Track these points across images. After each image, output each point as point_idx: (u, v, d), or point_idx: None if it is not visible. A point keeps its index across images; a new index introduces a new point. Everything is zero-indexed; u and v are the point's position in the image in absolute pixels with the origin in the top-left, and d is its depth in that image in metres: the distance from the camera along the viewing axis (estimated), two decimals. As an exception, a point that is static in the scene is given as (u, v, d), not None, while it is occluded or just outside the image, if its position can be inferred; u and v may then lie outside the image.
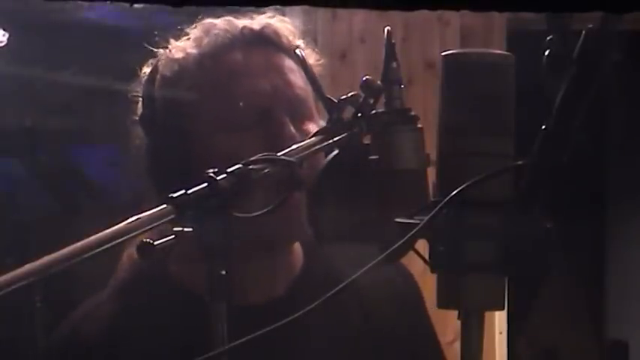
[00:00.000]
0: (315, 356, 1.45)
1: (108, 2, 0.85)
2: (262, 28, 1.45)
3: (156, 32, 1.49)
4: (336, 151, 1.18)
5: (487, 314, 1.06)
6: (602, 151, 5.12)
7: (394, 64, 1.18)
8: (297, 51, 1.33)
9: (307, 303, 0.99)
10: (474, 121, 1.04)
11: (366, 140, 1.18)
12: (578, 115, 0.98)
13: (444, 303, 1.05)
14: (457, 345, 1.06)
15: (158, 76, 1.45)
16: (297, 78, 1.42)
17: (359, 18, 3.50)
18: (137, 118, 1.48)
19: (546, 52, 0.97)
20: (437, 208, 1.01)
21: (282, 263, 1.49)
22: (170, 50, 1.46)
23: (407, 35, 3.51)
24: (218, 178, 1.10)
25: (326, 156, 1.19)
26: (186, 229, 1.10)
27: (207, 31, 1.45)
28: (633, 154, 4.89)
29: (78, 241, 1.04)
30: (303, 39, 1.47)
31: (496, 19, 3.57)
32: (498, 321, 3.52)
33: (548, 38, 0.97)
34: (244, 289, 1.41)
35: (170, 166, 1.40)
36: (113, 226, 1.06)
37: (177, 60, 1.44)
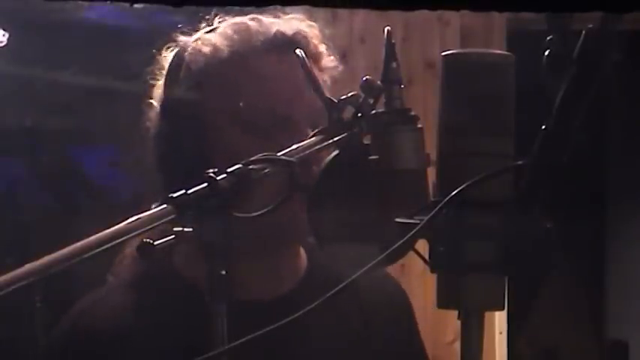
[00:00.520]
0: (315, 356, 1.46)
1: (108, 2, 0.85)
2: (294, 34, 1.44)
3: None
4: (336, 151, 1.18)
5: (487, 314, 1.06)
6: (602, 151, 5.12)
7: (394, 64, 1.18)
8: (297, 51, 1.33)
9: (309, 304, 0.99)
10: (474, 121, 1.04)
11: (366, 140, 1.18)
12: (578, 115, 0.98)
13: (444, 303, 1.05)
14: (457, 345, 1.06)
15: (183, 66, 1.45)
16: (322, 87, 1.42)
17: (359, 18, 3.50)
18: (154, 102, 1.47)
19: (546, 52, 0.97)
20: (437, 208, 1.01)
21: (286, 265, 1.49)
22: (197, 41, 1.45)
23: (407, 35, 3.51)
24: (218, 178, 1.10)
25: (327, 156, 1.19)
26: (186, 229, 1.10)
27: (238, 30, 1.44)
28: (633, 154, 4.89)
29: (78, 241, 1.04)
30: (325, 44, 1.48)
31: (496, 19, 3.57)
32: (498, 321, 3.52)
33: (548, 38, 0.97)
34: (249, 286, 1.41)
35: (182, 156, 1.39)
36: (113, 226, 1.06)
37: (204, 54, 1.43)
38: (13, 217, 3.78)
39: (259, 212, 1.14)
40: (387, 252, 1.01)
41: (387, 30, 1.18)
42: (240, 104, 1.41)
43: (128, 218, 1.08)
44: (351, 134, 1.17)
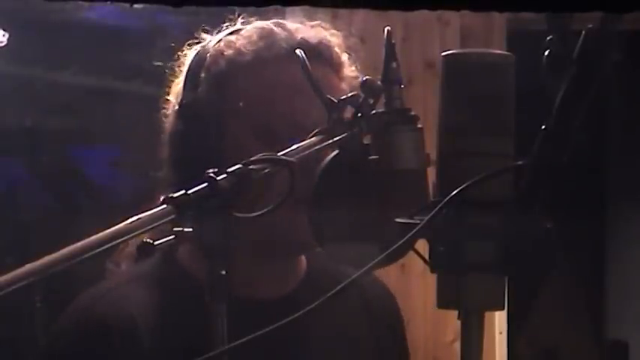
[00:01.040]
0: (316, 356, 1.46)
1: (108, 2, 0.85)
2: (319, 43, 1.44)
3: (204, 25, 1.48)
4: (336, 152, 1.18)
5: (487, 314, 1.06)
6: (602, 151, 5.12)
7: (394, 64, 1.18)
8: (298, 51, 1.33)
9: (311, 304, 0.99)
10: (474, 121, 1.04)
11: (366, 140, 1.18)
12: (578, 115, 0.98)
13: (444, 303, 1.05)
14: (457, 345, 1.06)
15: (204, 67, 1.44)
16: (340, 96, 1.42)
17: (359, 18, 3.50)
18: (171, 99, 1.47)
19: (546, 52, 0.97)
20: (437, 208, 1.01)
21: (286, 266, 1.49)
22: (220, 43, 1.45)
23: (407, 35, 3.51)
24: (218, 178, 1.10)
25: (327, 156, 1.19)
26: (186, 230, 1.10)
27: (262, 35, 1.44)
28: (633, 154, 4.89)
29: (78, 241, 1.04)
30: (347, 52, 1.48)
31: (496, 19, 3.57)
32: (498, 321, 3.52)
33: (548, 38, 0.97)
34: (251, 286, 1.41)
35: (196, 156, 1.39)
36: (113, 226, 1.06)
37: (227, 56, 1.43)
38: (13, 217, 3.79)
39: (259, 212, 1.14)
40: (387, 252, 1.01)
41: (387, 30, 1.18)
42: (250, 107, 1.40)
43: (128, 218, 1.07)
44: (351, 134, 1.17)
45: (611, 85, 0.97)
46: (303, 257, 1.51)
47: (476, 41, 3.52)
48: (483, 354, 1.05)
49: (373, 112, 1.18)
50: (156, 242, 1.10)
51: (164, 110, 1.48)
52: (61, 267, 1.01)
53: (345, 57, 1.47)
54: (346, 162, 1.17)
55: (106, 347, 1.39)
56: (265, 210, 1.14)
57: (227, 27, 1.47)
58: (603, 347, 5.34)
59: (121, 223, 1.07)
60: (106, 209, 3.57)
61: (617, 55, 0.95)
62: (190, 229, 1.10)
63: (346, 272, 1.25)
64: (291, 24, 1.45)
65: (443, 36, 3.60)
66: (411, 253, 1.04)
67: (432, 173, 1.10)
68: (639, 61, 1.91)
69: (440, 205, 1.01)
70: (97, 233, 1.05)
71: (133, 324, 1.39)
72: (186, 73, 1.46)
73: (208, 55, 1.44)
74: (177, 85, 1.47)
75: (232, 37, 1.45)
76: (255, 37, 1.44)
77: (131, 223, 1.07)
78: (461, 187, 1.01)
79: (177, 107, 1.45)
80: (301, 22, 1.46)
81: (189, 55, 1.47)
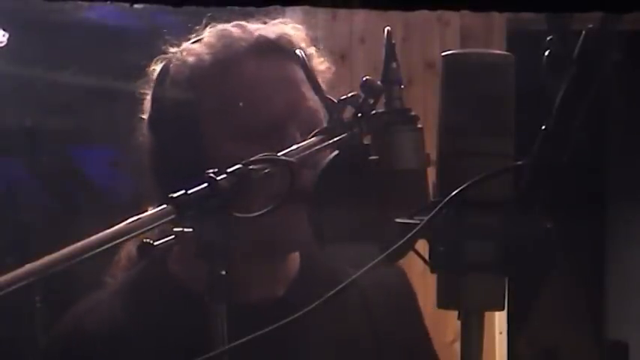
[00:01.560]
0: (316, 357, 1.45)
1: (108, 2, 0.85)
2: (278, 37, 1.44)
3: (165, 30, 1.48)
4: (336, 152, 1.18)
5: (487, 314, 1.05)
6: (602, 151, 5.12)
7: (394, 65, 1.18)
8: (298, 51, 1.33)
9: (306, 304, 0.99)
10: (474, 122, 1.04)
11: (366, 140, 1.18)
12: (578, 115, 0.98)
13: (444, 303, 1.05)
14: (457, 345, 1.06)
15: (169, 78, 1.45)
16: (310, 90, 1.42)
17: (359, 18, 3.50)
18: (144, 117, 1.47)
19: (546, 52, 0.97)
20: (437, 209, 1.01)
21: (282, 264, 1.49)
22: (182, 52, 1.45)
23: (407, 35, 3.51)
24: (218, 178, 1.10)
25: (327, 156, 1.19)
26: (186, 230, 1.10)
27: (221, 37, 1.44)
28: (633, 154, 4.89)
29: (78, 241, 1.04)
30: (315, 46, 1.47)
31: (496, 19, 3.57)
32: (498, 321, 3.52)
33: (548, 38, 0.97)
34: (245, 289, 1.41)
35: (175, 168, 1.39)
36: (113, 226, 1.06)
37: (189, 64, 1.43)
38: (13, 217, 3.79)
39: (259, 212, 1.14)
40: (387, 252, 1.01)
41: (387, 30, 1.18)
42: (219, 109, 1.40)
43: (128, 218, 1.07)
44: (351, 134, 1.17)
45: (611, 85, 0.97)
46: (296, 257, 1.50)
47: (476, 41, 3.52)
48: (483, 354, 1.05)
49: (373, 112, 1.18)
50: (156, 242, 1.10)
51: (140, 129, 1.48)
52: (61, 267, 1.02)
53: (312, 50, 1.46)
54: (346, 162, 1.17)
55: None
56: (265, 210, 1.14)
57: (193, 37, 1.48)
58: (603, 347, 5.34)
59: (121, 223, 1.07)
60: (106, 209, 3.57)
61: (617, 55, 0.95)
62: (190, 229, 1.10)
63: (341, 271, 1.25)
64: (252, 25, 1.45)
65: (443, 36, 3.60)
66: (411, 254, 1.04)
67: (432, 173, 1.10)
68: (639, 61, 1.91)
69: (440, 205, 1.01)
70: (97, 233, 1.05)
71: (117, 338, 1.40)
72: (153, 88, 1.46)
73: (171, 65, 1.45)
74: (148, 102, 1.47)
75: (194, 45, 1.45)
76: (213, 41, 1.44)
77: (131, 223, 1.07)
78: (461, 187, 1.01)
79: (148, 123, 1.45)
80: (264, 23, 1.46)
81: (156, 69, 1.48)
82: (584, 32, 0.95)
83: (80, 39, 3.53)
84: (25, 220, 3.81)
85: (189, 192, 1.09)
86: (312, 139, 1.19)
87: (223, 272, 1.11)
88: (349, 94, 1.19)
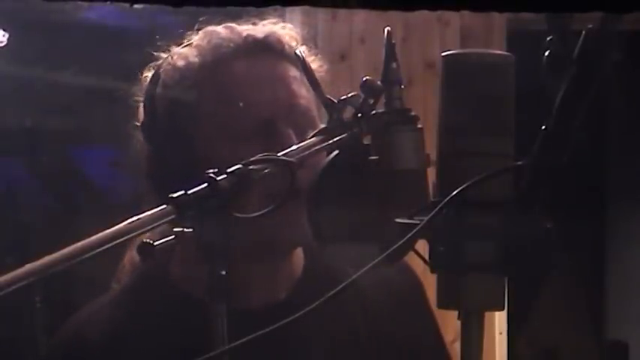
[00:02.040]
0: (315, 357, 1.45)
1: (108, 2, 0.85)
2: (266, 37, 1.44)
3: (157, 36, 1.49)
4: (336, 152, 1.18)
5: (487, 314, 1.05)
6: (602, 151, 5.12)
7: (394, 65, 1.18)
8: (297, 51, 1.33)
9: (309, 306, 0.98)
10: (474, 122, 1.04)
11: (366, 140, 1.18)
12: (578, 115, 0.98)
13: (444, 303, 1.05)
14: (457, 345, 1.06)
15: (160, 83, 1.45)
16: (301, 87, 1.42)
17: (359, 18, 3.50)
18: (138, 124, 1.47)
19: (546, 53, 0.97)
20: (437, 209, 1.01)
21: (284, 266, 1.48)
22: (172, 57, 1.45)
23: (407, 35, 3.51)
24: (218, 178, 1.10)
25: (327, 156, 1.19)
26: (186, 230, 1.10)
27: (209, 39, 1.44)
28: (633, 154, 4.89)
29: (78, 241, 1.04)
30: (306, 45, 1.47)
31: (496, 19, 3.57)
32: (498, 321, 3.52)
33: (548, 38, 0.97)
34: (247, 292, 1.41)
35: (171, 172, 1.39)
36: (113, 226, 1.06)
37: (179, 68, 1.43)
38: (13, 217, 3.79)
39: (259, 212, 1.14)
40: (387, 252, 1.01)
41: (387, 30, 1.18)
42: (211, 111, 1.40)
43: (128, 218, 1.07)
44: (351, 134, 1.17)
45: (611, 85, 0.97)
46: (299, 259, 1.50)
47: (476, 41, 3.52)
48: (483, 354, 1.05)
49: (373, 112, 1.18)
50: (156, 243, 1.10)
51: (135, 137, 1.48)
52: (61, 267, 1.02)
53: (302, 48, 1.46)
54: (346, 162, 1.17)
55: None
56: (265, 210, 1.14)
57: (183, 42, 1.48)
58: (603, 347, 5.34)
59: (121, 223, 1.07)
60: (106, 209, 3.57)
61: (617, 55, 0.95)
62: (190, 230, 1.10)
63: (343, 272, 1.25)
64: (240, 26, 1.45)
65: (443, 36, 3.60)
66: (411, 254, 1.04)
67: (432, 173, 1.10)
68: (639, 61, 1.91)
69: (440, 206, 1.01)
70: (97, 233, 1.05)
71: (118, 344, 1.41)
72: (145, 94, 1.46)
73: (161, 70, 1.45)
74: (141, 108, 1.48)
75: (184, 49, 1.46)
76: (202, 43, 1.44)
77: (131, 223, 1.07)
78: (461, 188, 1.01)
79: (142, 128, 1.46)
80: (253, 24, 1.46)
81: (148, 76, 1.48)
82: (584, 32, 0.95)
83: (80, 39, 3.53)
84: (25, 220, 3.81)
85: (189, 192, 1.09)
86: (312, 139, 1.19)
87: (223, 272, 1.11)
88: (349, 94, 1.19)
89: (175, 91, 1.43)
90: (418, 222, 1.02)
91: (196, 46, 1.45)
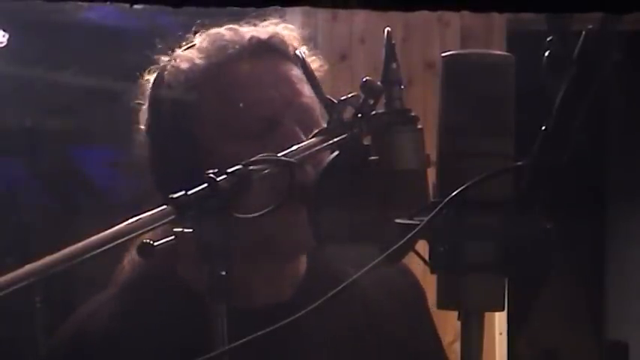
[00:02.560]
0: (318, 358, 1.45)
1: (108, 2, 0.85)
2: (270, 38, 1.44)
3: (157, 39, 1.49)
4: (336, 152, 1.18)
5: (487, 315, 1.05)
6: (602, 151, 5.12)
7: (394, 65, 1.18)
8: (298, 52, 1.33)
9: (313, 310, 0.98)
10: (474, 122, 1.04)
11: (367, 141, 1.18)
12: (578, 115, 0.98)
13: (444, 303, 1.05)
14: (457, 345, 1.06)
15: (164, 86, 1.45)
16: (305, 86, 1.42)
17: (359, 19, 3.50)
18: (142, 127, 1.48)
19: (546, 53, 0.97)
20: (437, 209, 1.01)
21: (288, 267, 1.48)
22: (175, 59, 1.46)
23: (407, 36, 3.51)
24: (218, 178, 1.10)
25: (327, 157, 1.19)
26: (186, 230, 1.10)
27: (213, 42, 1.45)
28: (633, 154, 4.89)
29: (78, 241, 1.04)
30: (307, 45, 1.47)
31: (496, 19, 3.57)
32: (498, 321, 3.52)
33: (548, 39, 0.97)
34: (250, 292, 1.41)
35: (177, 174, 1.39)
36: (113, 226, 1.06)
37: (183, 70, 1.44)
38: (13, 217, 3.79)
39: (259, 213, 1.14)
40: (387, 252, 1.01)
41: (387, 30, 1.18)
42: (216, 112, 1.41)
43: (128, 219, 1.07)
44: (352, 135, 1.17)
45: (611, 85, 0.97)
46: (302, 260, 1.50)
47: (476, 42, 3.52)
48: (483, 354, 1.05)
49: (373, 112, 1.18)
50: (156, 243, 1.10)
51: (137, 140, 1.48)
52: (61, 267, 1.02)
53: (303, 49, 1.46)
54: (346, 163, 1.17)
55: None
56: (265, 210, 1.14)
57: (184, 45, 1.48)
58: (603, 347, 5.34)
59: (121, 223, 1.07)
60: (106, 209, 3.57)
61: (617, 55, 0.95)
62: (190, 230, 1.10)
63: (345, 272, 1.25)
64: (243, 27, 1.46)
65: (443, 36, 3.60)
66: (411, 254, 1.04)
67: (432, 174, 1.10)
68: (639, 61, 1.91)
69: (440, 206, 1.01)
70: (97, 233, 1.05)
71: (122, 339, 1.41)
72: (149, 97, 1.46)
73: (165, 73, 1.45)
74: (144, 112, 1.48)
75: (187, 52, 1.46)
76: (206, 45, 1.45)
77: (131, 223, 1.07)
78: (461, 188, 1.01)
79: (146, 133, 1.46)
80: (254, 25, 1.47)
81: (150, 79, 1.48)
82: (584, 32, 0.95)
83: (80, 39, 3.54)
84: (25, 220, 3.81)
85: (189, 192, 1.09)
86: (313, 139, 1.19)
87: (223, 272, 1.11)
88: (349, 95, 1.19)
89: (181, 93, 1.43)
90: (418, 222, 1.02)
91: (200, 48, 1.45)
